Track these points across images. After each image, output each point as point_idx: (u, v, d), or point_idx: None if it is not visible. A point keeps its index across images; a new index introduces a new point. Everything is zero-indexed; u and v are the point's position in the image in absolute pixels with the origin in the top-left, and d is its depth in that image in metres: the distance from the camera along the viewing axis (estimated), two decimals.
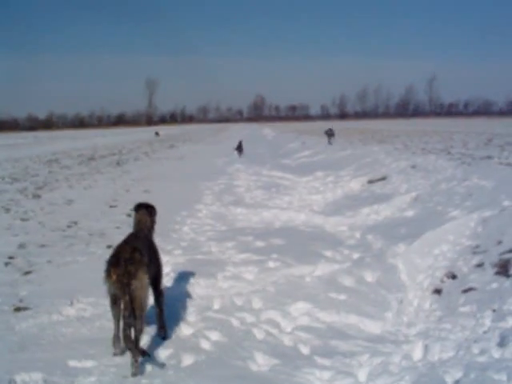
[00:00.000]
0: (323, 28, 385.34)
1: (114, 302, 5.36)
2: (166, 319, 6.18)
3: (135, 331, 5.17)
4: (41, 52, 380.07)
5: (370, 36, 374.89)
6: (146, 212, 6.35)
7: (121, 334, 5.30)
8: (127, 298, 5.15)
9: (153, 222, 6.42)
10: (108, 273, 5.28)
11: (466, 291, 6.84)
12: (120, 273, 5.19)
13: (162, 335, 6.05)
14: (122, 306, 5.28)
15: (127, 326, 5.14)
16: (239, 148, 34.54)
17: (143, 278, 5.34)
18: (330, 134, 39.20)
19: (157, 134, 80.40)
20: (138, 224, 6.23)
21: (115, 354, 5.54)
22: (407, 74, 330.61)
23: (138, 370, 5.16)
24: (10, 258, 9.53)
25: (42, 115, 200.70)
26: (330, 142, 37.78)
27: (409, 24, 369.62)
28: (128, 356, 5.47)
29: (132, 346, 5.13)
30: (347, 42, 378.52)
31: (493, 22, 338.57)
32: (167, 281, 7.83)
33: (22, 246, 10.46)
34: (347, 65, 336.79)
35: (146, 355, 5.23)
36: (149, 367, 5.31)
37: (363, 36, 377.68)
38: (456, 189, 12.57)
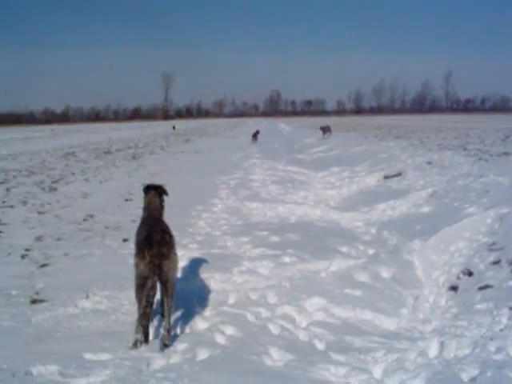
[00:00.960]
0: (340, 23, 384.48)
1: (143, 285, 5.48)
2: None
3: (167, 308, 5.58)
4: (58, 46, 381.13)
5: (386, 31, 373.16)
6: (155, 193, 6.50)
7: (141, 312, 5.52)
8: (157, 278, 5.46)
9: (162, 203, 6.57)
10: (142, 254, 5.44)
11: (482, 288, 6.80)
12: (153, 253, 5.40)
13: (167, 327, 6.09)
14: (149, 286, 5.50)
15: (149, 305, 5.56)
16: (255, 136, 40.95)
17: (174, 259, 5.68)
18: (325, 129, 42.50)
19: (174, 127, 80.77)
20: (148, 206, 6.39)
21: (136, 340, 5.59)
22: (423, 70, 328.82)
23: (169, 341, 5.60)
24: (27, 250, 9.59)
25: (58, 109, 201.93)
26: (324, 137, 41.24)
27: (425, 19, 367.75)
28: (143, 350, 5.51)
29: (147, 324, 5.62)
30: (363, 37, 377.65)
31: (510, 17, 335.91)
32: (183, 275, 7.86)
33: (38, 238, 10.52)
34: (363, 60, 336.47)
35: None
36: (163, 361, 5.33)
37: (379, 31, 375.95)
38: (472, 185, 12.50)
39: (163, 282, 5.50)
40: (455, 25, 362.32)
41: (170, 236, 5.76)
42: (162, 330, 5.64)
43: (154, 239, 5.50)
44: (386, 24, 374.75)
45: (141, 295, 5.52)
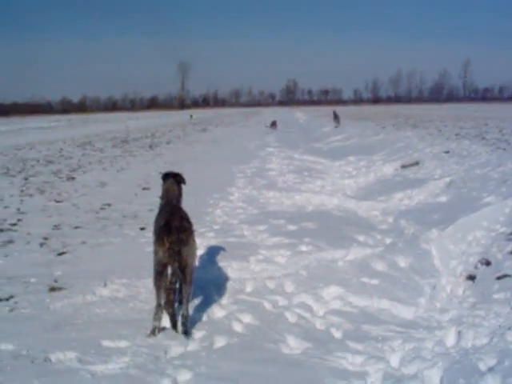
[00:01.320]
0: (357, 11, 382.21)
1: (161, 272, 5.51)
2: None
3: (186, 295, 5.57)
4: (75, 35, 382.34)
5: (403, 19, 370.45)
6: (173, 181, 6.50)
7: (165, 300, 5.54)
8: (177, 264, 5.43)
9: (181, 191, 6.57)
10: (161, 241, 5.46)
11: (500, 278, 6.77)
12: (173, 240, 5.41)
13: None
14: (169, 273, 5.55)
15: (172, 291, 5.59)
16: (273, 125, 43.38)
17: (193, 245, 5.70)
18: (336, 116, 42.93)
19: (191, 116, 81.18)
20: (166, 194, 6.39)
21: (154, 327, 5.62)
22: (441, 59, 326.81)
23: (189, 328, 5.63)
24: (45, 238, 9.65)
25: (75, 98, 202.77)
26: (336, 125, 41.66)
27: (443, 7, 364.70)
28: (161, 337, 5.54)
29: (173, 311, 5.60)
30: (380, 26, 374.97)
31: None
32: (200, 263, 7.87)
33: (56, 227, 10.58)
34: (380, 49, 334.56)
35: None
36: (181, 348, 5.35)
37: (397, 19, 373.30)
38: (490, 174, 12.44)
39: (182, 268, 5.45)
40: (473, 13, 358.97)
41: (189, 222, 5.77)
42: (180, 318, 5.65)
43: (173, 226, 5.50)
44: (403, 12, 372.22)
45: (159, 282, 5.53)
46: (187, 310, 5.63)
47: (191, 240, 5.66)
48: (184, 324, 5.59)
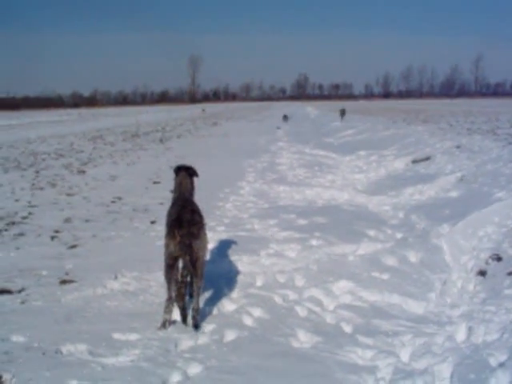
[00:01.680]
0: (368, 5, 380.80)
1: (172, 265, 5.53)
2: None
3: (196, 288, 5.58)
4: (86, 30, 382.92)
5: (414, 14, 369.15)
6: (186, 174, 6.47)
7: (175, 293, 5.55)
8: (188, 257, 5.43)
9: (193, 183, 6.54)
10: (172, 234, 5.46)
11: (511, 273, 6.75)
12: (183, 233, 5.41)
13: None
14: (180, 266, 5.58)
15: (183, 285, 5.60)
16: (285, 118, 47.16)
17: (204, 238, 5.71)
18: (343, 112, 45.56)
19: (203, 110, 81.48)
20: (179, 187, 6.38)
21: (165, 320, 5.64)
22: (453, 53, 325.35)
23: (198, 321, 5.64)
24: (56, 231, 9.70)
25: (86, 92, 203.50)
26: (342, 120, 43.94)
27: (455, 2, 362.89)
28: (171, 330, 5.56)
29: (184, 304, 5.65)
30: (392, 20, 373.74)
31: None
32: (210, 257, 7.89)
33: (67, 220, 10.62)
34: (391, 43, 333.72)
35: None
36: (191, 342, 5.37)
37: (408, 14, 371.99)
38: (502, 170, 12.39)
39: (193, 261, 5.45)
40: (485, 7, 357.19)
41: (200, 216, 5.78)
42: (190, 311, 5.66)
43: (184, 219, 5.51)
44: (414, 7, 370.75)
45: (170, 276, 5.54)
46: (198, 303, 5.64)
47: (202, 233, 5.67)
48: (194, 317, 5.61)
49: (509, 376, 4.39)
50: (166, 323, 5.63)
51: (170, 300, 5.63)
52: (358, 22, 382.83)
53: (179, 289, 5.56)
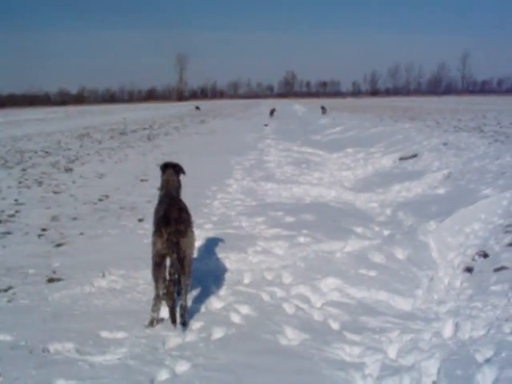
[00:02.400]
0: (355, 3, 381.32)
1: (159, 263, 5.52)
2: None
3: (184, 286, 5.57)
4: (72, 26, 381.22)
5: (402, 11, 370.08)
6: (172, 172, 6.52)
7: (164, 291, 5.52)
8: (175, 255, 5.40)
9: (180, 181, 6.57)
10: (159, 232, 5.46)
11: (497, 270, 6.78)
12: (171, 231, 5.40)
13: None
14: (168, 264, 5.56)
15: (172, 283, 5.56)
16: (272, 113, 50.76)
17: (191, 236, 5.68)
18: (324, 108, 51.97)
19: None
20: (166, 184, 6.40)
21: (153, 319, 5.66)
22: (439, 51, 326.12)
23: (186, 319, 5.62)
24: (43, 230, 9.66)
25: (73, 90, 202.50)
26: (322, 114, 49.56)
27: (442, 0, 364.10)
28: (159, 328, 5.56)
29: (173, 303, 5.55)
30: (379, 18, 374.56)
31: None
32: (198, 255, 7.90)
33: (54, 218, 10.59)
34: (379, 41, 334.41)
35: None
36: (179, 339, 5.37)
37: (395, 11, 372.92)
38: (488, 167, 12.44)
39: (180, 259, 5.43)
40: (472, 6, 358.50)
41: (188, 214, 5.79)
42: (178, 309, 5.65)
43: (172, 217, 5.51)
44: (402, 4, 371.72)
45: (158, 274, 5.54)
46: (186, 301, 5.63)
47: (189, 231, 5.66)
48: (182, 315, 5.60)
49: (495, 372, 4.42)
50: (154, 321, 5.64)
51: (157, 298, 5.63)
52: (345, 19, 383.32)
53: (168, 287, 5.52)
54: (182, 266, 5.49)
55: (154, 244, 5.52)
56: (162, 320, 5.73)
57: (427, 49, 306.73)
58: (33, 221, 10.34)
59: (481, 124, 25.56)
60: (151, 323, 5.63)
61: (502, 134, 19.29)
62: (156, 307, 5.67)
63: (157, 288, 5.59)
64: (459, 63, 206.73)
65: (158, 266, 5.53)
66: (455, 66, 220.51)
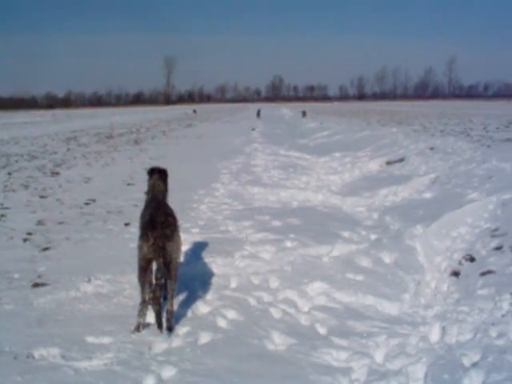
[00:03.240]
0: (342, 8, 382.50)
1: (146, 267, 5.53)
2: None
3: (170, 291, 5.58)
4: (60, 30, 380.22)
5: (388, 16, 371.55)
6: (159, 177, 6.48)
7: (150, 296, 5.49)
8: (161, 260, 5.40)
9: (166, 186, 6.55)
10: (146, 236, 5.45)
11: (484, 274, 6.80)
12: (157, 235, 5.40)
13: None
14: (154, 268, 5.54)
15: (158, 287, 5.45)
16: (258, 113, 56.10)
17: (178, 240, 5.70)
18: (304, 113, 57.21)
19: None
20: (152, 189, 6.38)
21: (139, 324, 5.61)
22: (426, 56, 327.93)
23: (172, 324, 5.60)
24: (29, 234, 9.60)
25: (60, 93, 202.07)
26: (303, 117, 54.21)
27: (428, 4, 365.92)
28: (145, 333, 5.52)
29: (159, 308, 5.47)
30: (366, 23, 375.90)
31: None
32: (185, 259, 7.87)
33: (40, 222, 10.52)
34: (366, 46, 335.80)
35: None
36: (165, 345, 5.33)
37: (382, 16, 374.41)
38: (475, 171, 12.47)
39: (167, 264, 5.44)
40: (458, 10, 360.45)
41: (174, 218, 5.77)
42: (164, 314, 5.62)
43: (158, 221, 5.49)
44: (388, 9, 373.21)
45: (144, 278, 5.53)
46: (172, 305, 5.62)
47: (176, 235, 5.66)
48: (168, 320, 5.58)
49: (482, 376, 4.43)
50: (140, 326, 5.59)
51: (143, 303, 5.61)
52: (332, 24, 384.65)
53: (154, 292, 5.46)
54: (168, 270, 5.48)
55: (141, 248, 5.51)
56: (148, 325, 5.68)
57: (414, 53, 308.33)
58: (18, 225, 10.26)
59: (467, 128, 25.70)
60: (137, 328, 5.58)
61: (488, 138, 19.40)
62: (142, 312, 5.63)
63: (143, 293, 5.57)
64: (446, 68, 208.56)
65: (144, 270, 5.52)
66: (442, 70, 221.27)
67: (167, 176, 6.58)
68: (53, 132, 41.36)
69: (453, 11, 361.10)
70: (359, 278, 7.30)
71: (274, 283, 7.13)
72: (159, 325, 5.54)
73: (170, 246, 5.48)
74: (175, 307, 5.89)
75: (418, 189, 12.67)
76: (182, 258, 7.38)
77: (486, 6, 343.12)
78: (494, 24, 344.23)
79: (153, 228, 5.44)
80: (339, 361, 5.16)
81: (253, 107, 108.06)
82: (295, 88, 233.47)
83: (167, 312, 5.59)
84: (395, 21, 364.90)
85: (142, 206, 6.33)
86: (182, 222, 9.56)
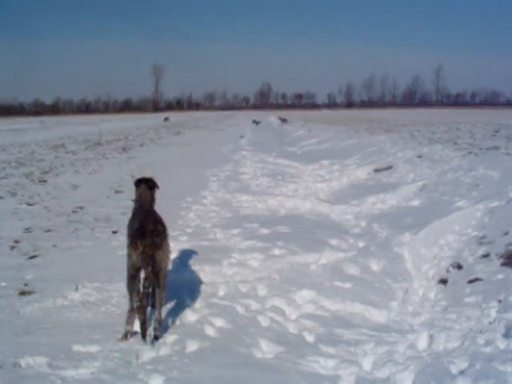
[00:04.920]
0: (330, 16, 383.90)
1: (135, 276, 5.52)
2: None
3: (159, 299, 5.59)
4: (47, 37, 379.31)
5: (376, 25, 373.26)
6: (146, 187, 6.53)
7: (137, 305, 5.50)
8: (150, 268, 5.40)
9: (154, 195, 6.60)
10: (135, 245, 5.44)
11: (471, 282, 6.83)
12: (146, 244, 5.40)
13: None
14: (142, 276, 5.52)
15: (145, 296, 5.50)
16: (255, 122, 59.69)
17: (167, 249, 5.71)
18: (283, 119, 62.11)
19: (166, 119, 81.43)
20: (139, 198, 6.45)
21: (127, 331, 5.62)
22: (414, 64, 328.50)
23: (160, 333, 5.60)
24: (16, 242, 9.55)
25: (48, 100, 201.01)
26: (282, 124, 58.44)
27: (416, 13, 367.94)
28: (133, 342, 5.51)
29: (145, 317, 5.50)
30: (354, 31, 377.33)
31: (501, 12, 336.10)
32: (173, 267, 7.85)
33: (27, 230, 10.48)
34: (354, 54, 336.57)
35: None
36: (153, 353, 5.31)
37: (370, 24, 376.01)
38: (462, 179, 12.53)
39: (155, 272, 5.45)
40: (446, 19, 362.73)
41: (163, 226, 5.77)
42: (152, 322, 5.63)
43: (147, 229, 5.50)
44: (376, 18, 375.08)
45: (132, 286, 5.51)
46: (160, 314, 5.62)
47: (165, 244, 5.67)
48: (156, 329, 5.58)
49: (469, 383, 4.43)
50: (128, 334, 5.59)
51: (132, 311, 5.61)
52: (320, 32, 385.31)
53: (141, 300, 5.46)
54: (157, 278, 5.50)
55: (130, 256, 5.52)
56: (135, 333, 5.67)
57: (402, 62, 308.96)
58: (5, 232, 10.21)
59: (455, 136, 25.78)
60: (125, 336, 5.57)
61: (475, 146, 19.47)
62: (130, 320, 5.63)
63: (131, 301, 5.56)
64: (433, 76, 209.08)
65: (133, 278, 5.51)
66: (429, 78, 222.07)
67: (155, 185, 6.61)
68: (41, 139, 41.17)
69: (440, 20, 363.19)
70: (347, 285, 7.31)
71: (262, 291, 7.12)
72: (143, 335, 5.51)
73: (159, 254, 5.48)
74: (163, 315, 5.88)
75: (406, 196, 12.71)
76: (170, 266, 7.42)
77: (473, 15, 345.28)
78: (480, 32, 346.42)
79: (142, 236, 5.44)
80: (327, 369, 5.15)
81: (241, 115, 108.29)
82: (283, 96, 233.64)
83: (155, 320, 5.60)
84: (383, 29, 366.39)
85: (130, 213, 6.32)
86: (171, 230, 9.52)
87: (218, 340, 5.64)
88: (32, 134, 51.25)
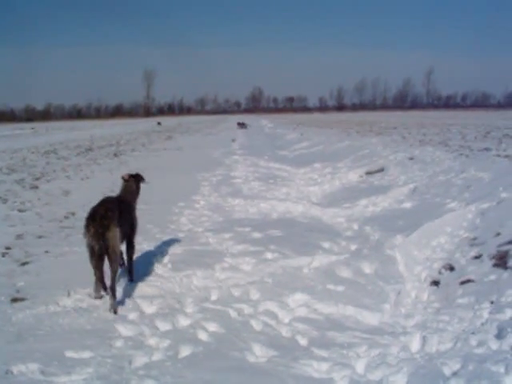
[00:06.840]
0: (321, 20, 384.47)
1: (93, 253, 6.58)
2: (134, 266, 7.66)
3: (112, 272, 6.60)
4: (38, 43, 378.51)
5: (367, 28, 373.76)
6: (133, 179, 7.98)
7: (98, 275, 6.73)
8: (101, 244, 6.48)
9: (138, 188, 8.07)
10: (88, 227, 6.56)
11: (463, 283, 6.84)
12: (96, 225, 6.48)
13: (130, 278, 7.55)
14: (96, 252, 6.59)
15: (97, 269, 6.68)
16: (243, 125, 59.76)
17: (115, 230, 6.62)
18: (242, 124, 62.01)
19: (159, 123, 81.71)
20: (124, 189, 7.89)
21: (96, 297, 6.85)
22: (405, 66, 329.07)
23: (114, 306, 6.50)
24: (7, 248, 9.51)
25: (39, 106, 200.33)
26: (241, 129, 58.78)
27: (407, 16, 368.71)
28: (125, 347, 5.49)
29: (101, 285, 6.83)
30: (345, 34, 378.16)
31: (491, 14, 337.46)
32: (165, 272, 7.86)
33: (19, 236, 10.43)
34: (345, 57, 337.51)
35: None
36: (146, 358, 5.30)
37: (361, 28, 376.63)
38: (454, 181, 12.57)
39: (106, 248, 6.50)
40: (436, 22, 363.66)
41: (112, 212, 6.71)
42: (109, 290, 6.59)
43: (98, 214, 6.57)
44: (367, 21, 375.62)
45: (92, 263, 6.63)
46: (114, 284, 6.57)
47: (112, 225, 6.59)
48: (110, 297, 6.54)
49: None
50: (97, 298, 6.85)
51: (96, 282, 6.83)
52: (311, 35, 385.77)
53: (95, 274, 6.73)
54: (108, 253, 6.56)
55: (85, 237, 6.59)
56: (102, 297, 6.82)
57: (393, 65, 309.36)
58: None
59: (446, 138, 25.84)
60: (96, 298, 6.85)
61: (466, 148, 19.51)
62: (97, 288, 6.87)
63: (94, 274, 6.71)
64: (424, 78, 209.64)
65: (91, 255, 6.59)
66: (420, 81, 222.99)
67: (140, 179, 8.16)
68: (32, 145, 41.05)
69: (430, 23, 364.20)
70: (340, 288, 7.31)
71: (254, 295, 7.13)
72: (104, 287, 6.82)
73: (108, 234, 6.50)
74: (156, 321, 5.90)
75: (398, 199, 12.73)
76: (161, 270, 7.60)
77: (464, 18, 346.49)
78: (471, 35, 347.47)
79: (93, 220, 6.54)
80: (320, 372, 5.16)
81: (233, 119, 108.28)
82: (275, 99, 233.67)
83: (110, 289, 6.56)
84: (374, 33, 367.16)
85: None
86: (162, 235, 9.64)
87: (211, 344, 5.63)
88: (23, 139, 51.14)
